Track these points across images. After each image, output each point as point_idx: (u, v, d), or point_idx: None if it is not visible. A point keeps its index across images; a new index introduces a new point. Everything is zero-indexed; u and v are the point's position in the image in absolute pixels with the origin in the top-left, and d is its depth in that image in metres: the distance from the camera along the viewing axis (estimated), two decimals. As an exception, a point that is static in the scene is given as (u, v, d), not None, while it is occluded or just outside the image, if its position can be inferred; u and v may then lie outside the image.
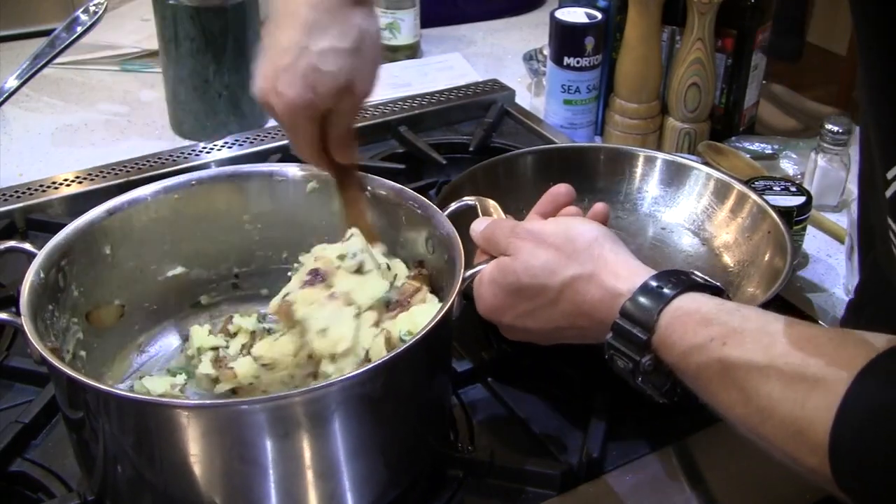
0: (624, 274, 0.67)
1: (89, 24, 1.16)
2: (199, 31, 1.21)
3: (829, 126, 1.12)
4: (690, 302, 0.63)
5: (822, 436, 0.52)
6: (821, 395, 0.53)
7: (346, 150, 0.80)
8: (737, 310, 0.61)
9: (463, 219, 0.80)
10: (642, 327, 0.64)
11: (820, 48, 3.80)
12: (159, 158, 1.18)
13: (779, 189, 1.02)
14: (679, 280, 0.65)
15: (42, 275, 0.71)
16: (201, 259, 0.87)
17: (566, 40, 1.24)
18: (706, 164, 1.12)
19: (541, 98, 1.35)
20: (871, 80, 0.60)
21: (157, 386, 0.78)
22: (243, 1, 1.22)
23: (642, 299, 0.65)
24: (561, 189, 0.80)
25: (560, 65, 1.25)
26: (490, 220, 0.78)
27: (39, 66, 1.14)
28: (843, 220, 1.10)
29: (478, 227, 0.77)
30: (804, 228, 1.04)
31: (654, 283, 0.65)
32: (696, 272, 0.67)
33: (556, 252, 0.70)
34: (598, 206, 0.80)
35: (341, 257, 0.77)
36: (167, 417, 0.63)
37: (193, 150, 1.20)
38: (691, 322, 0.62)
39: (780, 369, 0.55)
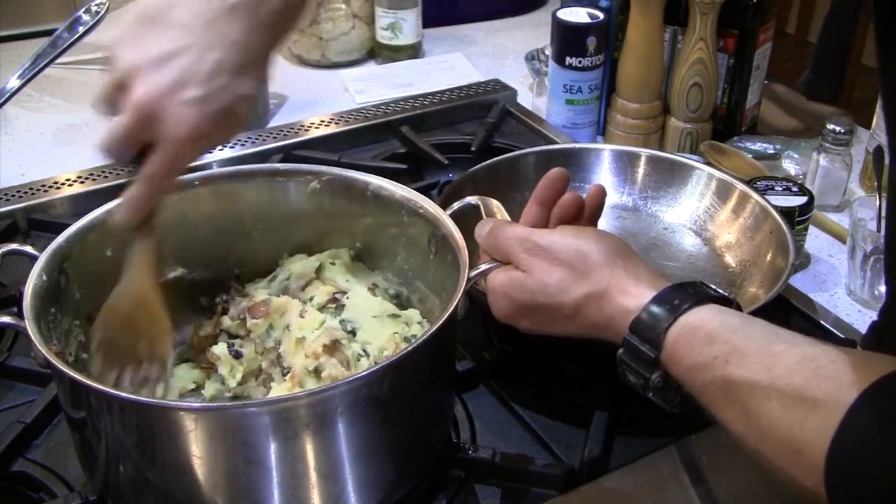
0: (633, 291, 0.68)
1: (91, 23, 1.16)
2: (201, 31, 1.20)
3: (830, 126, 1.12)
4: (696, 319, 0.64)
5: (819, 458, 0.52)
6: (819, 418, 0.53)
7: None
8: (741, 328, 0.62)
9: (465, 219, 0.79)
10: (650, 345, 0.65)
11: (821, 47, 3.79)
12: (161, 158, 1.18)
13: (781, 189, 1.02)
14: (687, 294, 0.66)
15: (44, 278, 0.71)
16: (202, 260, 0.87)
17: (568, 40, 1.23)
18: (708, 164, 1.12)
19: (543, 98, 1.35)
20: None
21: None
22: (245, 1, 1.22)
23: (650, 317, 0.65)
24: (556, 174, 0.80)
25: (562, 65, 1.25)
26: (492, 222, 0.78)
27: (41, 66, 1.15)
28: (845, 220, 1.10)
29: (482, 230, 0.78)
30: (806, 228, 1.04)
31: (661, 300, 0.66)
32: (705, 283, 0.68)
33: (570, 270, 0.71)
34: (594, 189, 0.80)
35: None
36: (172, 420, 0.63)
37: (195, 151, 1.20)
38: (696, 340, 0.63)
39: (780, 390, 0.56)
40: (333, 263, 0.86)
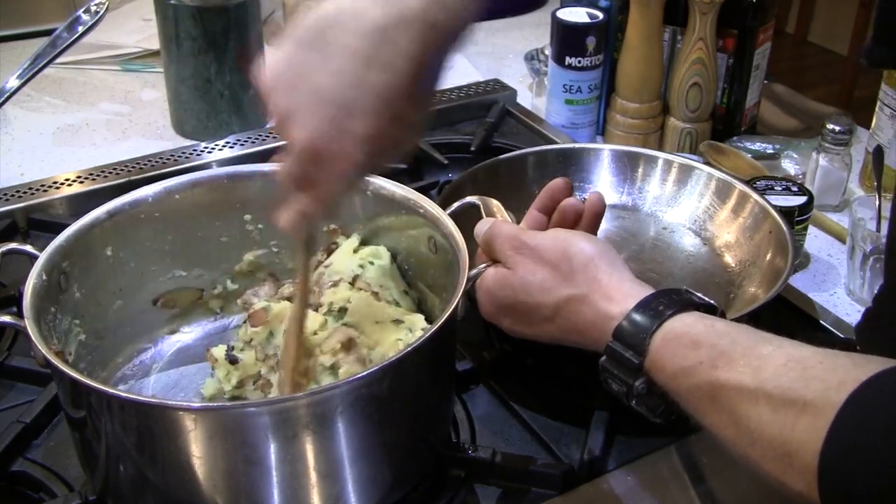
0: (616, 297, 0.68)
1: (91, 23, 1.16)
2: (201, 31, 1.20)
3: (830, 126, 1.12)
4: (681, 325, 0.63)
5: (811, 460, 0.52)
6: (810, 420, 0.53)
7: None
8: (727, 332, 0.61)
9: (465, 218, 0.79)
10: (634, 351, 0.64)
11: (821, 48, 3.80)
12: (160, 158, 1.18)
13: (780, 189, 1.02)
14: (671, 301, 0.65)
15: (44, 277, 0.71)
16: (202, 259, 0.87)
17: (568, 40, 1.24)
18: (707, 163, 1.12)
19: (542, 98, 1.35)
20: None
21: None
22: (245, 0, 1.22)
23: (634, 323, 0.65)
24: (559, 184, 0.80)
25: (561, 64, 1.25)
26: (491, 222, 0.78)
27: (41, 65, 1.14)
28: (845, 220, 1.10)
29: (480, 230, 0.78)
30: (805, 228, 1.04)
31: (645, 307, 0.65)
32: (690, 289, 0.67)
33: (553, 271, 0.71)
34: (593, 196, 0.80)
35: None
36: (172, 420, 0.63)
37: (195, 150, 1.20)
38: (681, 345, 0.62)
39: (769, 393, 0.55)
40: (372, 263, 0.84)
